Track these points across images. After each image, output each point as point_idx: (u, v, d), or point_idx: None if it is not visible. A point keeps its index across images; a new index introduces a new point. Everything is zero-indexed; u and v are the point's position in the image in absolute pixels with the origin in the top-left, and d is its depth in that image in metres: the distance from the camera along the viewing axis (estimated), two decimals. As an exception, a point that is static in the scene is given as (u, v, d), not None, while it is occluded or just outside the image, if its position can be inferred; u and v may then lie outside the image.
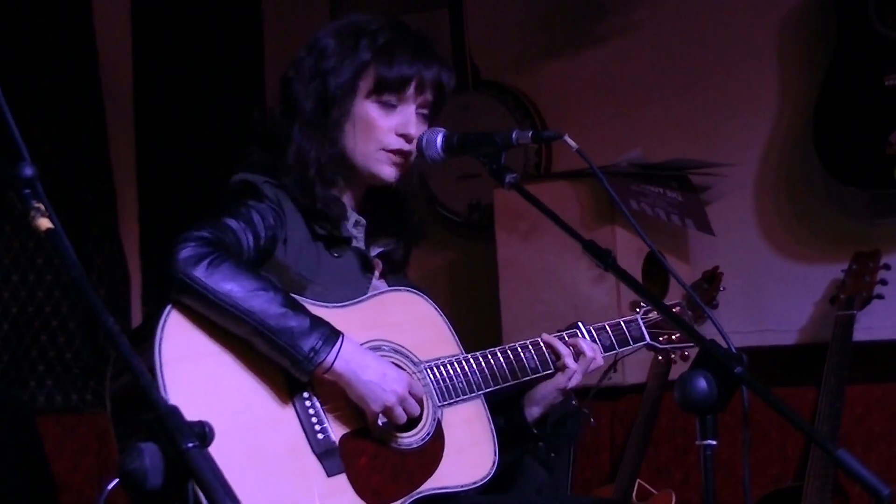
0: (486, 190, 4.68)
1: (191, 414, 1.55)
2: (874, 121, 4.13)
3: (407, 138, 2.61)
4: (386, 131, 2.60)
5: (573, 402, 2.83)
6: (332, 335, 2.39)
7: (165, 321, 2.35)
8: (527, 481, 2.84)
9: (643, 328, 2.78)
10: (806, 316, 4.41)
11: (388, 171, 2.63)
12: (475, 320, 4.58)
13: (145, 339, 2.33)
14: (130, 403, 2.35)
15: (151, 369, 2.28)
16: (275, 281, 2.45)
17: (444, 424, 2.55)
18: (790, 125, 4.44)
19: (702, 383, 2.13)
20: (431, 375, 2.56)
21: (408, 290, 2.67)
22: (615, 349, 2.74)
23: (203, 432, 1.54)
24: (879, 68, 4.12)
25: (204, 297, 2.34)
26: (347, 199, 2.66)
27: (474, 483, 2.55)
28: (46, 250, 4.23)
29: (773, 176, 4.48)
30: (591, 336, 2.72)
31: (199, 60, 4.90)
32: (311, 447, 2.40)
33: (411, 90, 2.61)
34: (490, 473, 2.57)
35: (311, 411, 2.43)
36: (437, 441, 2.54)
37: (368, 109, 2.61)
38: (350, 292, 2.57)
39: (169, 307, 2.36)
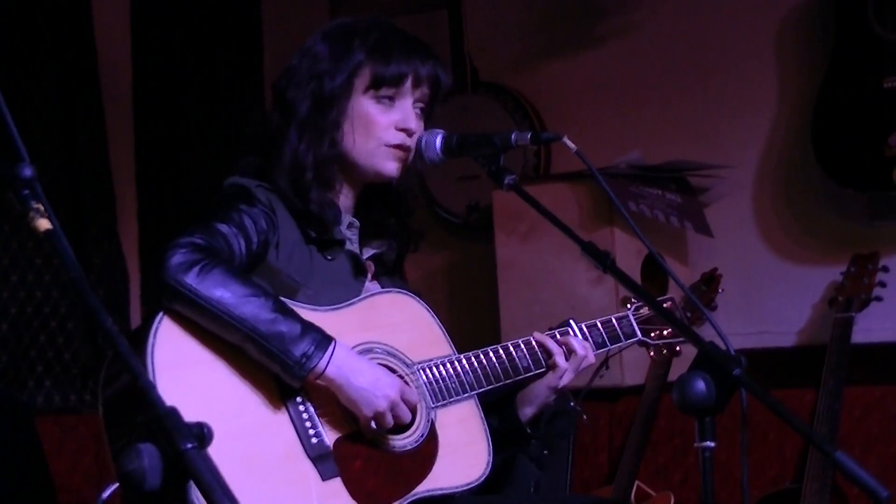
0: (485, 191, 4.67)
1: (184, 421, 1.55)
2: (873, 123, 4.13)
3: (408, 132, 2.61)
4: (385, 127, 2.60)
5: (571, 403, 2.83)
6: (324, 340, 2.38)
7: (157, 328, 2.34)
8: (520, 479, 2.84)
9: (634, 324, 2.78)
10: (804, 318, 4.40)
11: (390, 167, 2.62)
12: (474, 321, 4.59)
13: (137, 346, 2.32)
14: (124, 408, 2.34)
15: None
16: (266, 286, 2.44)
17: (437, 425, 2.55)
18: (789, 126, 4.43)
19: (700, 385, 2.13)
20: (424, 376, 2.56)
21: (399, 292, 2.65)
22: (607, 346, 2.74)
23: (202, 433, 1.54)
24: (878, 70, 4.12)
25: (195, 303, 2.33)
26: (344, 200, 2.66)
27: (469, 484, 2.54)
28: (45, 251, 4.22)
29: (771, 178, 4.48)
30: (583, 333, 2.71)
31: (199, 61, 4.90)
32: (306, 451, 2.40)
33: (408, 84, 2.61)
34: (485, 474, 2.56)
35: (305, 416, 2.42)
36: (431, 442, 2.53)
37: (366, 106, 2.60)
38: (342, 295, 2.56)
39: (161, 314, 2.35)
